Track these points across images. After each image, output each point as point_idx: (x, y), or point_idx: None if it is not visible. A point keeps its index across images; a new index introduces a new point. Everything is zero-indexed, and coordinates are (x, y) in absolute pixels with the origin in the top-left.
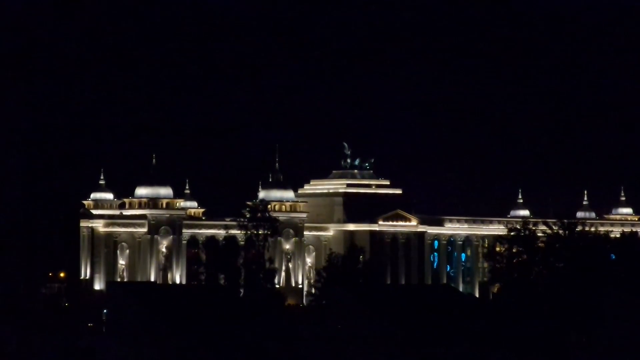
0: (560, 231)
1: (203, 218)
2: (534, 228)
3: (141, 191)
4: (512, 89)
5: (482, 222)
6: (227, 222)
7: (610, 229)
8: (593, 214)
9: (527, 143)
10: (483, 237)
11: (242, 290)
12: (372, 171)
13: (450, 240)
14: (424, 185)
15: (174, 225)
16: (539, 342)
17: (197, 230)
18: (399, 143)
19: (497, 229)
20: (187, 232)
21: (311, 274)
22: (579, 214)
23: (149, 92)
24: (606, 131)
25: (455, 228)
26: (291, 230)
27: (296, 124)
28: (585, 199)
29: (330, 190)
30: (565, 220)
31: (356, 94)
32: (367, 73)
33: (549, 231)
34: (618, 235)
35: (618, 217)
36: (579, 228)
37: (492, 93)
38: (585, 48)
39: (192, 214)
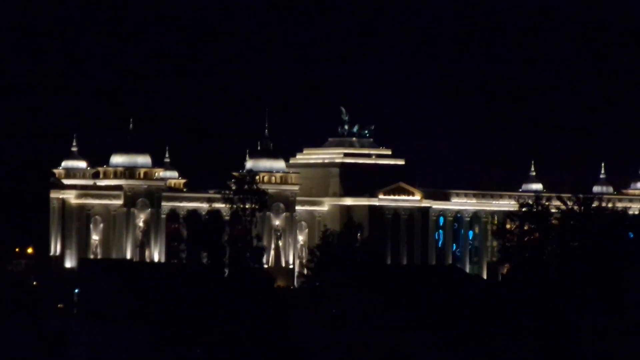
0: (576, 207)
1: (184, 190)
2: (547, 203)
3: (117, 159)
4: (526, 54)
5: (492, 196)
6: (211, 194)
7: (628, 204)
8: (610, 189)
9: (542, 112)
10: (492, 213)
11: (226, 270)
12: (372, 139)
13: (457, 216)
14: (429, 155)
15: (153, 198)
16: (551, 327)
17: (177, 203)
18: (402, 109)
19: (507, 204)
20: (166, 205)
21: (303, 253)
22: (596, 189)
23: (125, 52)
24: (626, 101)
25: (462, 203)
26: (281, 205)
27: (288, 86)
28: (603, 172)
29: (326, 160)
30: (581, 195)
31: (356, 53)
32: (368, 32)
33: (563, 207)
34: (637, 212)
35: (637, 192)
36: (595, 204)
37: (505, 58)
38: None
39: (172, 185)
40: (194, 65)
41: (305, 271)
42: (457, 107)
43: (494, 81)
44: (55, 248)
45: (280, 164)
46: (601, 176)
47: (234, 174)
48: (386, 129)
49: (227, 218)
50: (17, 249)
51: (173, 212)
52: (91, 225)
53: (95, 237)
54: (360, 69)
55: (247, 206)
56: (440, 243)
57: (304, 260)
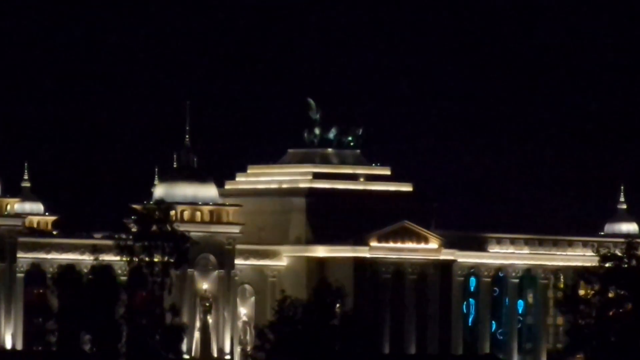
0: None
1: (54, 233)
2: None
3: None
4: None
5: (555, 243)
6: (97, 240)
7: None
8: None
9: (631, 113)
10: (556, 270)
11: None
12: (358, 150)
13: (499, 276)
14: (452, 177)
15: (3, 245)
16: None
17: (43, 255)
18: (405, 103)
19: (581, 256)
20: (25, 257)
21: (248, 336)
22: None
23: None
24: None
25: (506, 255)
26: (212, 257)
27: (225, 67)
28: None
29: (284, 185)
30: None
31: (332, 22)
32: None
33: None
34: None
35: None
36: None
37: (573, 31)
38: None
39: (35, 226)
40: (75, 34)
41: None
42: (493, 103)
43: (557, 67)
44: None
45: (210, 191)
46: None
47: (135, 206)
48: (382, 134)
49: (123, 278)
50: None
51: (36, 269)
52: None
53: None
54: (336, 46)
55: (156, 259)
56: (471, 319)
57: (248, 348)
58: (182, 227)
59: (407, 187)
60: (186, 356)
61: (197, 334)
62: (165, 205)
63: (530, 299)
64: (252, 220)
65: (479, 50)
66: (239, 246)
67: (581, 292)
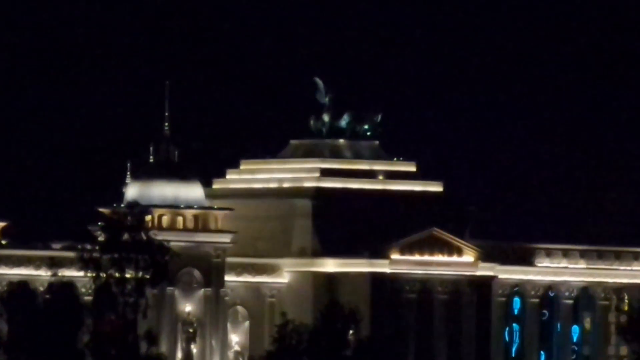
0: None
1: (3, 242)
2: None
3: None
4: None
5: (618, 256)
6: (56, 251)
7: None
8: None
9: None
10: (619, 289)
11: None
12: (377, 142)
13: (548, 295)
14: (490, 175)
15: None
16: None
17: None
18: (431, 83)
19: None
20: None
21: None
22: None
23: None
24: None
25: (558, 270)
26: (196, 272)
27: (214, 40)
28: None
29: (285, 184)
30: None
31: None
32: None
33: None
34: None
35: None
36: None
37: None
38: None
39: None
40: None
41: None
42: (539, 91)
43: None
44: None
45: (194, 191)
46: None
47: (102, 210)
48: (405, 122)
49: (88, 298)
50: None
51: None
52: None
53: None
54: (354, 12)
55: (128, 275)
56: (514, 349)
57: None
58: (160, 236)
59: (436, 187)
60: None
61: None
62: (139, 209)
63: (587, 324)
64: (246, 227)
65: (517, 29)
66: (229, 259)
67: None
